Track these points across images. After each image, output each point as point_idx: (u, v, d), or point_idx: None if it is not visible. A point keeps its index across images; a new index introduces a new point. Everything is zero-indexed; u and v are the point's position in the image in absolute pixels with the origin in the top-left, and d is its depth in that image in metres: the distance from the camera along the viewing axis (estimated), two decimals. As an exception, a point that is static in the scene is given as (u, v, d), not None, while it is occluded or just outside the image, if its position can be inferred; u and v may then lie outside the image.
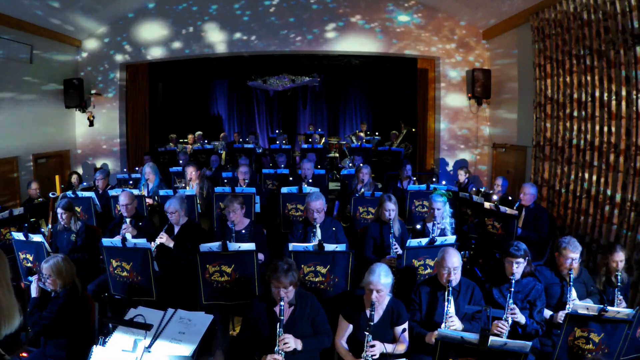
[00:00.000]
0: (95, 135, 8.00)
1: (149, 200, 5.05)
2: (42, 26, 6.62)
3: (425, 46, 7.58)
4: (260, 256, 3.53)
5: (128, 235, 3.62)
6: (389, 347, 2.55)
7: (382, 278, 2.52)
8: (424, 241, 3.32)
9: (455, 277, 2.68)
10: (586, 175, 4.70)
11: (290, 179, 5.57)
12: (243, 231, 3.75)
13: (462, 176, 6.04)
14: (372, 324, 2.45)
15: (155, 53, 7.78)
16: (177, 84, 10.42)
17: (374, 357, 2.43)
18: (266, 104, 12.30)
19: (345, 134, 11.68)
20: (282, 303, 2.46)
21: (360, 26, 7.59)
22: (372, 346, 2.42)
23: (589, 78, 4.63)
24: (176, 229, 3.86)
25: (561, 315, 2.74)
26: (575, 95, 4.88)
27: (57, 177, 6.19)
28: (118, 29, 7.77)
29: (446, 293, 2.64)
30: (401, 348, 2.59)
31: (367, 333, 2.43)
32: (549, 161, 5.44)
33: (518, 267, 2.78)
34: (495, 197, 4.87)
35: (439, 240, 3.34)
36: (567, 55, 4.98)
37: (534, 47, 5.66)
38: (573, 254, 2.89)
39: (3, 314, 1.04)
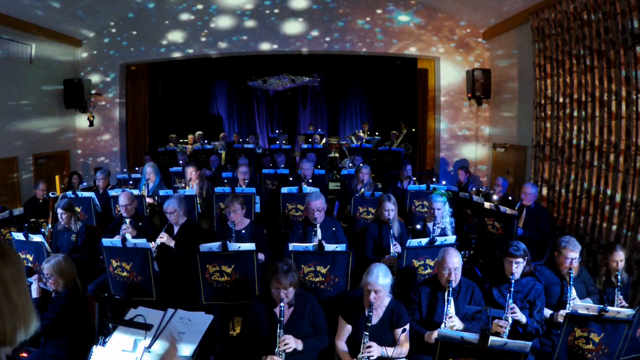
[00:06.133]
0: (95, 135, 8.00)
1: (149, 200, 5.05)
2: (42, 26, 6.61)
3: (425, 46, 7.58)
4: (261, 256, 3.53)
5: (128, 236, 3.62)
6: (389, 350, 2.52)
7: (380, 278, 2.49)
8: (423, 241, 3.32)
9: (456, 278, 2.67)
10: (586, 175, 4.70)
11: (290, 179, 5.57)
12: (243, 231, 3.75)
13: (462, 176, 6.04)
14: (369, 325, 2.43)
15: (155, 53, 7.78)
16: (177, 84, 10.42)
17: (370, 358, 2.42)
18: (266, 104, 12.28)
19: (345, 134, 11.65)
20: (282, 304, 2.45)
21: (360, 26, 7.59)
22: (369, 347, 2.41)
23: (589, 78, 4.63)
24: (176, 229, 3.86)
25: (562, 313, 2.74)
26: (575, 95, 4.88)
27: (57, 177, 6.20)
28: (118, 29, 7.77)
29: (446, 293, 2.63)
30: (403, 350, 2.57)
31: (364, 334, 2.42)
32: (549, 161, 5.44)
33: (517, 267, 2.79)
34: (495, 197, 4.87)
35: (439, 240, 3.33)
36: (567, 55, 4.98)
37: (534, 47, 5.65)
38: (573, 253, 2.90)
39: (19, 319, 1.00)
